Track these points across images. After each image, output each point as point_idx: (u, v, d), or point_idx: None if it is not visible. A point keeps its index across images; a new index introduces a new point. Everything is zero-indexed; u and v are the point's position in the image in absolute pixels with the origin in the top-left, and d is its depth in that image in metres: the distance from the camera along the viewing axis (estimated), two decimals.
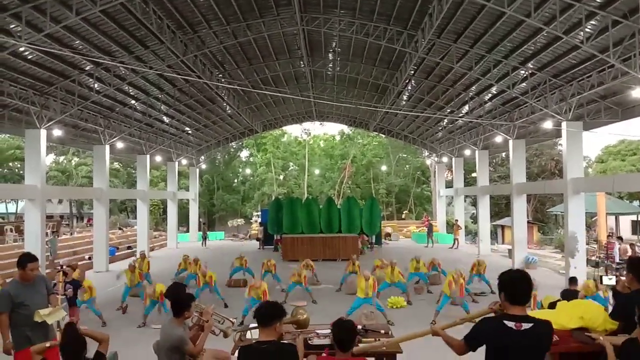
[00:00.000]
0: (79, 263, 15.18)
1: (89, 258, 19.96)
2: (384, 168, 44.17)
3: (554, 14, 10.59)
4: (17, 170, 37.08)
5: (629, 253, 15.72)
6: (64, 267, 10.05)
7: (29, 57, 12.86)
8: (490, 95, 18.46)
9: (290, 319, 4.77)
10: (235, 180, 48.23)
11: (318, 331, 5.00)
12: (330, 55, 19.49)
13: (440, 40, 14.53)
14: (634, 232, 29.93)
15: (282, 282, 13.52)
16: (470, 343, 3.06)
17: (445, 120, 23.93)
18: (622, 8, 9.80)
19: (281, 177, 47.54)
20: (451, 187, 29.73)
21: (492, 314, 3.19)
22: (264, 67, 19.72)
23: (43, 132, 15.20)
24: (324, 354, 3.63)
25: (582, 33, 10.88)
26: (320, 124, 42.42)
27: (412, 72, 17.84)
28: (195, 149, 30.65)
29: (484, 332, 3.01)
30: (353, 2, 14.00)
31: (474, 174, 30.65)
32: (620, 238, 17.96)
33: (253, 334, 4.79)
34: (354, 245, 21.25)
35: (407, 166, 45.75)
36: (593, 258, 17.64)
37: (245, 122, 26.84)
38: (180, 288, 5.48)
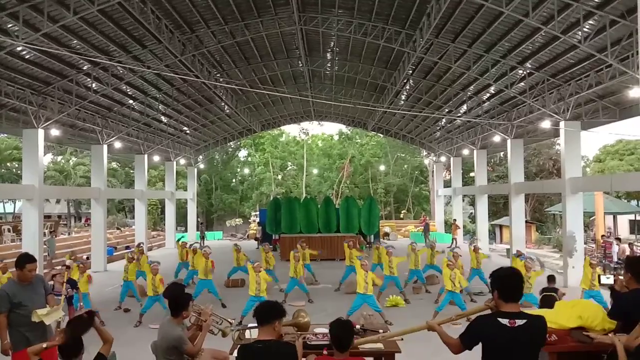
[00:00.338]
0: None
1: (87, 258, 19.87)
2: (382, 168, 44.13)
3: (552, 13, 10.62)
4: (14, 170, 36.97)
5: (628, 253, 15.78)
6: (68, 264, 10.04)
7: (27, 56, 12.85)
8: (488, 94, 18.47)
9: (291, 321, 4.76)
10: (234, 180, 48.12)
11: (317, 330, 4.99)
12: (328, 54, 19.47)
13: (438, 40, 14.52)
14: (631, 231, 30.00)
15: (279, 282, 13.50)
16: (465, 342, 3.07)
17: (444, 120, 23.94)
18: (619, 8, 9.82)
19: (279, 176, 47.52)
20: (449, 186, 29.76)
21: (489, 311, 3.19)
22: (262, 66, 19.69)
23: (41, 132, 15.16)
24: (324, 353, 3.63)
25: (580, 33, 10.89)
26: (319, 123, 42.37)
27: (410, 71, 17.82)
28: (194, 148, 30.58)
29: (478, 330, 3.02)
30: (351, 2, 13.99)
31: (472, 174, 30.63)
32: (618, 239, 18.02)
33: (252, 333, 4.77)
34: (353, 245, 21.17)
35: (405, 166, 45.72)
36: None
37: (244, 122, 26.80)
38: (178, 288, 5.47)
